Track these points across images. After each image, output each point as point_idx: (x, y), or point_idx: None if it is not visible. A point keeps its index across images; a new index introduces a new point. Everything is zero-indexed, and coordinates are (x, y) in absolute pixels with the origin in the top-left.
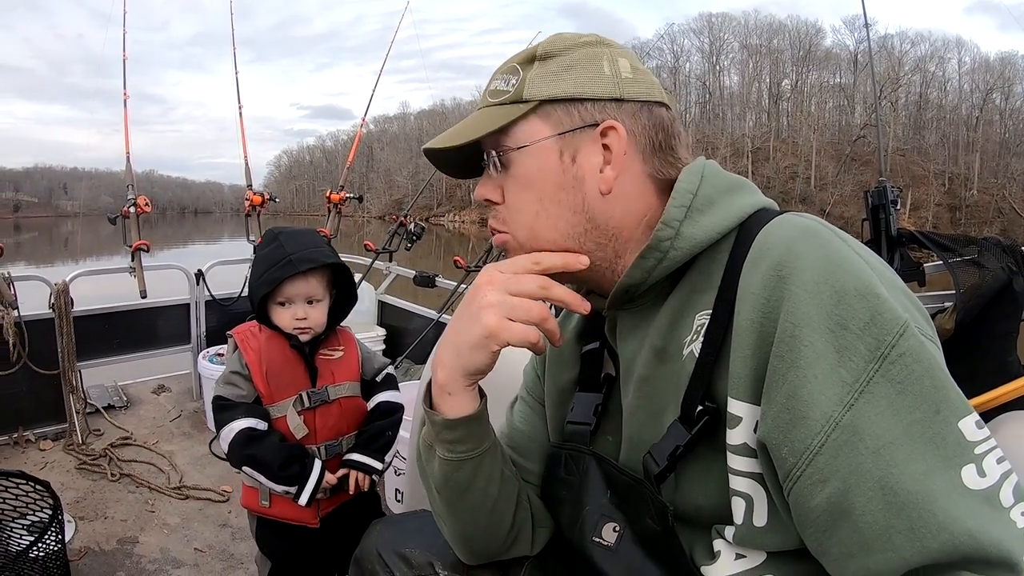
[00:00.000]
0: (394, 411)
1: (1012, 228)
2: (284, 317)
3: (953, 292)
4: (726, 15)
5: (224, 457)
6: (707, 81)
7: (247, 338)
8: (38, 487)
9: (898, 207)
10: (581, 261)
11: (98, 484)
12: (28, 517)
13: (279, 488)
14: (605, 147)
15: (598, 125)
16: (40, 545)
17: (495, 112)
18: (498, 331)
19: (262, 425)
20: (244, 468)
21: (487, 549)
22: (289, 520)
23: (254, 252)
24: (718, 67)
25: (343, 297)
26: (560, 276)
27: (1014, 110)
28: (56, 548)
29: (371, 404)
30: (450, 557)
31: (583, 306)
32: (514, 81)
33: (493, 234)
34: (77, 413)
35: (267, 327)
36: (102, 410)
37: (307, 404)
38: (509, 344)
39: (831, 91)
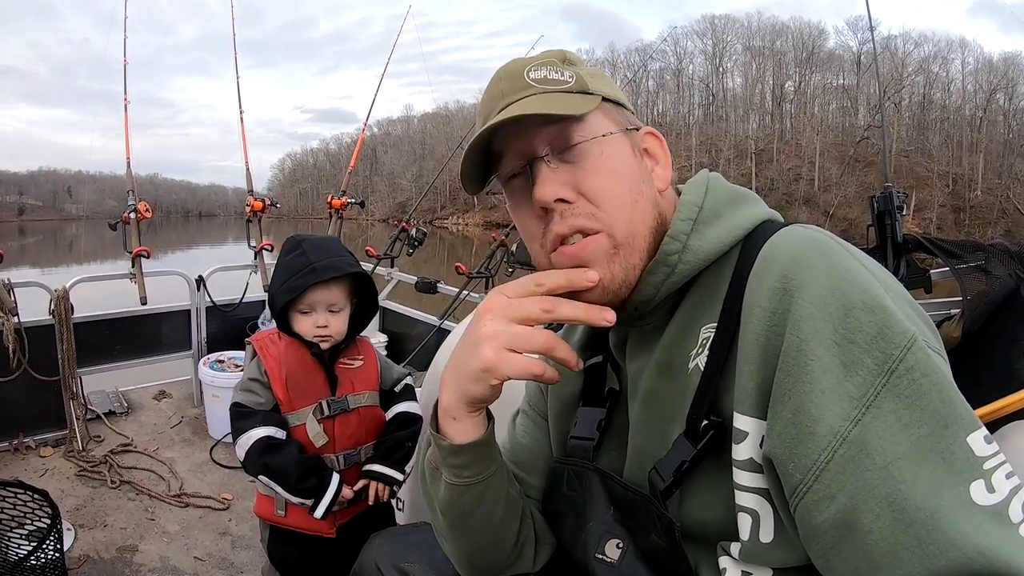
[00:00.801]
0: (413, 422)
1: (1016, 228)
2: (305, 325)
3: (960, 299)
4: (729, 17)
5: (225, 465)
6: (710, 83)
7: (266, 345)
8: (36, 496)
9: (903, 211)
10: (588, 277)
11: (98, 491)
12: (26, 526)
13: (295, 499)
14: (644, 150)
15: (639, 129)
16: (39, 554)
17: (563, 98)
18: (496, 364)
19: (280, 434)
20: (260, 477)
21: (489, 566)
22: (305, 530)
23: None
24: (721, 69)
25: (363, 306)
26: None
27: (1018, 110)
28: (55, 556)
29: (389, 414)
30: (450, 572)
31: (603, 317)
32: (569, 73)
33: (572, 235)
34: (77, 419)
35: (287, 334)
36: (103, 416)
37: (327, 412)
38: (509, 378)
39: (834, 92)
